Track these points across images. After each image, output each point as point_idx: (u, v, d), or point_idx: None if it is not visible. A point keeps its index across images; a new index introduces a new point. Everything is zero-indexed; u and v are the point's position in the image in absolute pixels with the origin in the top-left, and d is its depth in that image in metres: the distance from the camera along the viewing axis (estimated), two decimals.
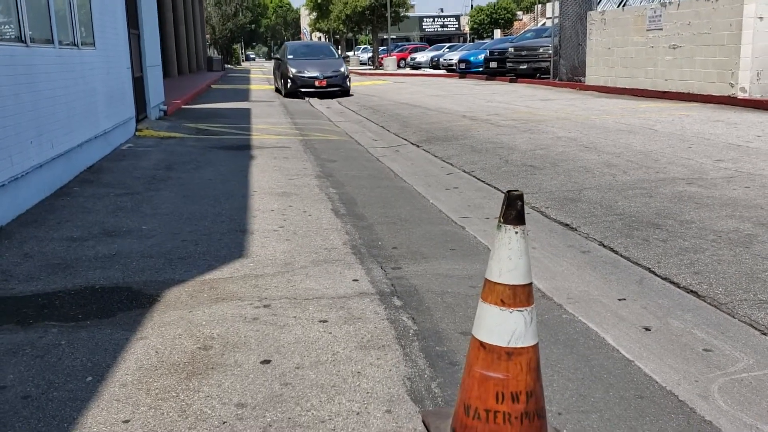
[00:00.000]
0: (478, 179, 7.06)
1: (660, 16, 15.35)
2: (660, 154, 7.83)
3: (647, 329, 3.27)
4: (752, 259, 4.14)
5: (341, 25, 46.26)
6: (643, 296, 3.70)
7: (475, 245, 4.71)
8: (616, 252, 4.47)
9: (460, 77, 28.68)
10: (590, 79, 18.46)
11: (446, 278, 3.96)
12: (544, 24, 35.84)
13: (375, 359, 2.85)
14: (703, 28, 14.04)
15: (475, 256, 4.44)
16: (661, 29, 15.35)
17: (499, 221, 2.10)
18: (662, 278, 3.95)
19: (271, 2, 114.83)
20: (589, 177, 6.80)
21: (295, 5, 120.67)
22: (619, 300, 3.66)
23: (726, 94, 13.51)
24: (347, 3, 42.35)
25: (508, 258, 2.08)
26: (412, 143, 9.85)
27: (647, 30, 15.85)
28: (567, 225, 5.15)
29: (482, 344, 2.11)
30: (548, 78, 21.51)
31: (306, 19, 70.66)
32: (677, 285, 3.83)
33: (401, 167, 7.94)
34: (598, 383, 2.73)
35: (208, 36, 59.42)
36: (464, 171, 7.52)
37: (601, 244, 4.65)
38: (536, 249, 4.61)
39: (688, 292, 3.72)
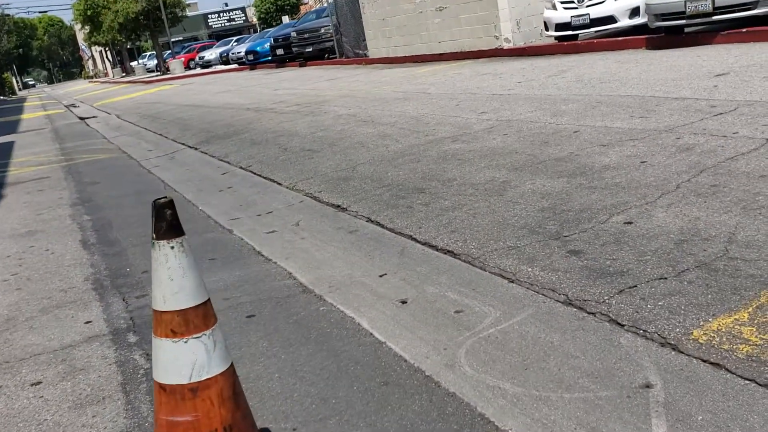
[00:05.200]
0: (255, 173, 6.71)
1: None
2: (431, 116, 7.94)
3: (404, 302, 3.13)
4: (504, 205, 4.18)
5: (117, 35, 43.32)
6: (404, 267, 3.57)
7: (240, 249, 4.37)
8: (382, 225, 4.33)
9: (251, 69, 28.01)
10: (373, 52, 18.69)
11: None
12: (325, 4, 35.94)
13: (90, 418, 2.43)
14: None
15: (237, 262, 4.10)
16: None
17: (152, 238, 1.77)
18: (422, 244, 3.86)
19: (40, 22, 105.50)
20: (363, 152, 6.70)
21: (68, 21, 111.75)
22: (380, 276, 3.50)
23: (493, 47, 14.20)
24: (118, 11, 39.64)
25: (169, 279, 1.75)
26: (190, 146, 9.27)
27: None
28: (338, 206, 4.96)
29: (162, 387, 1.78)
30: (336, 57, 21.54)
31: (81, 33, 65.65)
32: (435, 248, 3.75)
33: (174, 175, 7.38)
34: (344, 379, 2.52)
35: None
36: (241, 167, 7.13)
37: (369, 219, 4.51)
38: (305, 239, 4.37)
39: (445, 253, 3.65)
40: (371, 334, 2.88)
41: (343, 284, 3.50)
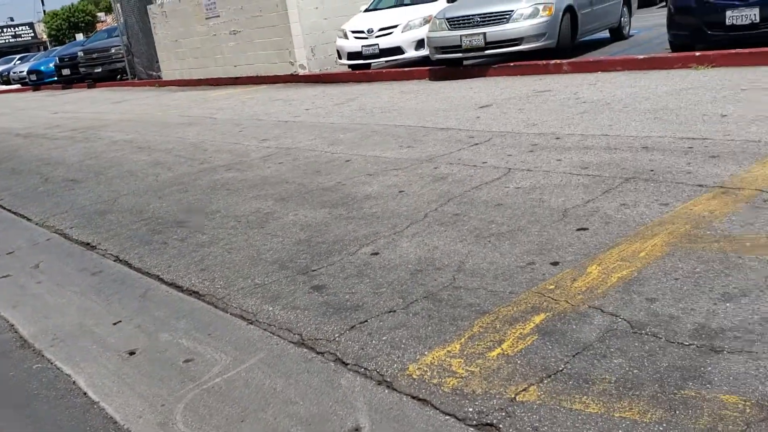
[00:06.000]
0: (4, 208, 6.02)
1: (215, 3, 15.45)
2: (211, 143, 7.68)
3: (132, 353, 2.87)
4: (263, 239, 4.06)
5: None
6: (142, 312, 3.30)
7: None
8: (130, 265, 4.01)
9: (34, 90, 25.72)
10: (166, 74, 17.96)
11: None
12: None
13: None
14: (255, 11, 14.51)
15: None
16: (219, 16, 15.49)
17: None
18: (168, 284, 3.61)
19: None
20: (131, 181, 6.27)
21: None
22: (114, 324, 3.21)
23: (289, 73, 14.21)
24: None
25: None
26: None
27: (207, 18, 15.87)
28: (87, 244, 4.55)
29: None
30: (129, 78, 20.42)
31: None
32: (181, 288, 3.52)
33: None
34: None
35: None
36: None
37: (117, 258, 4.16)
38: (42, 283, 3.94)
39: (189, 294, 3.43)
40: (85, 393, 2.59)
41: (69, 335, 3.15)
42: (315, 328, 2.82)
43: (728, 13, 8.17)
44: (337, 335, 2.73)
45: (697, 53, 8.13)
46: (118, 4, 19.48)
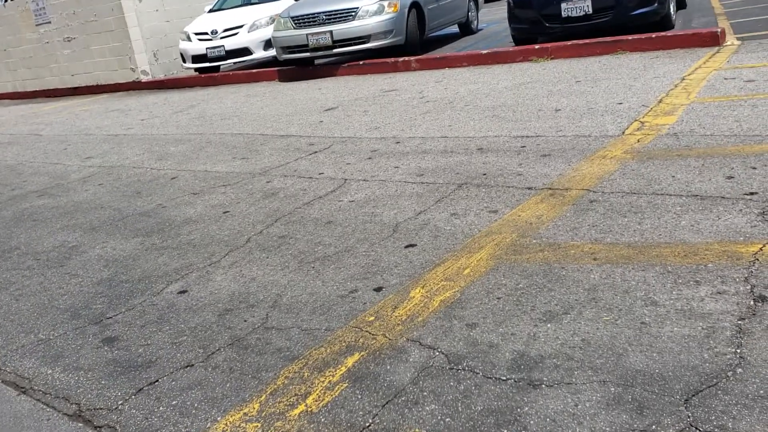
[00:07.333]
0: None
1: (44, 8, 14.18)
2: (29, 165, 6.88)
3: None
4: (60, 280, 3.52)
5: None
6: None
7: None
8: None
9: None
10: None
11: None
12: None
13: None
14: (89, 16, 13.44)
15: None
16: (50, 22, 14.23)
17: None
18: None
19: None
20: None
21: None
22: None
23: (131, 80, 13.29)
24: None
25: None
26: None
27: (37, 25, 14.54)
28: None
29: None
30: None
31: None
32: None
33: None
34: None
35: None
36: None
37: None
38: None
39: None
40: None
41: None
42: (97, 395, 2.38)
43: (563, 5, 8.35)
44: (120, 402, 2.30)
45: (537, 46, 8.26)
46: None
